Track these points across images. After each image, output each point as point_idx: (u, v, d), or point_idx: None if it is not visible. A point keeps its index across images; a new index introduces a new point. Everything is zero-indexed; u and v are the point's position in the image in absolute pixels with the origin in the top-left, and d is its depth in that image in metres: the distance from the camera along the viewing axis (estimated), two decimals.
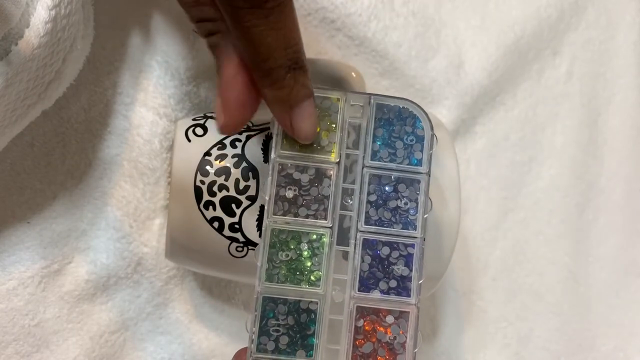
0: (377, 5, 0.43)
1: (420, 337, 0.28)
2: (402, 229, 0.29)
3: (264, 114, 0.35)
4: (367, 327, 0.28)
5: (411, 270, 0.29)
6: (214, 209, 0.33)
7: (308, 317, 0.28)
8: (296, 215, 0.29)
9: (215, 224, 0.33)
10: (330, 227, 0.29)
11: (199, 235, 0.33)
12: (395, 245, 0.29)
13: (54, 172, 0.38)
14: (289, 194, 0.29)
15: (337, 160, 0.29)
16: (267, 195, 0.29)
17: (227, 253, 0.34)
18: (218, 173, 0.33)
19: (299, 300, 0.28)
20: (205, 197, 0.33)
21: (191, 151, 0.34)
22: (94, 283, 0.38)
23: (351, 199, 0.29)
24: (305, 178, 0.29)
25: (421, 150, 0.30)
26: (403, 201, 0.29)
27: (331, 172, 0.29)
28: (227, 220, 0.33)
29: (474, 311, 0.45)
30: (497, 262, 0.46)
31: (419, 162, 0.29)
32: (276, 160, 0.29)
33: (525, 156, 0.47)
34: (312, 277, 0.28)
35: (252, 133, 0.34)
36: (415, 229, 0.29)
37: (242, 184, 0.33)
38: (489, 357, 0.45)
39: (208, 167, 0.33)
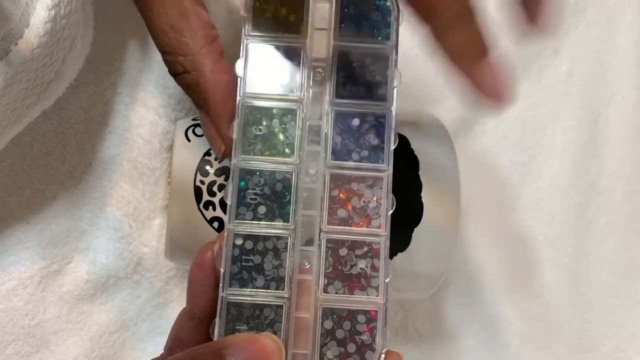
0: None
1: (394, 200, 0.29)
2: (372, 100, 0.29)
3: None
4: (342, 196, 0.29)
5: (382, 140, 0.29)
6: (214, 209, 0.33)
7: (284, 186, 0.29)
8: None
9: (215, 224, 0.33)
10: (302, 101, 0.29)
11: (199, 235, 0.33)
12: (365, 117, 0.29)
13: (53, 172, 0.38)
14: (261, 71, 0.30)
15: (306, 38, 0.30)
16: (240, 74, 0.29)
17: None
18: (218, 173, 0.33)
19: (274, 171, 0.29)
20: (205, 197, 0.33)
21: (191, 151, 0.34)
22: (93, 283, 0.38)
23: (321, 74, 0.30)
24: (276, 55, 0.30)
25: (388, 27, 0.30)
26: (372, 75, 0.30)
27: (301, 50, 0.30)
28: None
29: (474, 311, 0.45)
30: (497, 262, 0.46)
31: (387, 37, 0.30)
32: (247, 41, 0.29)
33: (525, 156, 0.46)
34: (287, 150, 0.29)
35: None
36: (385, 100, 0.29)
37: None
38: (489, 357, 0.45)
39: (208, 167, 0.33)
